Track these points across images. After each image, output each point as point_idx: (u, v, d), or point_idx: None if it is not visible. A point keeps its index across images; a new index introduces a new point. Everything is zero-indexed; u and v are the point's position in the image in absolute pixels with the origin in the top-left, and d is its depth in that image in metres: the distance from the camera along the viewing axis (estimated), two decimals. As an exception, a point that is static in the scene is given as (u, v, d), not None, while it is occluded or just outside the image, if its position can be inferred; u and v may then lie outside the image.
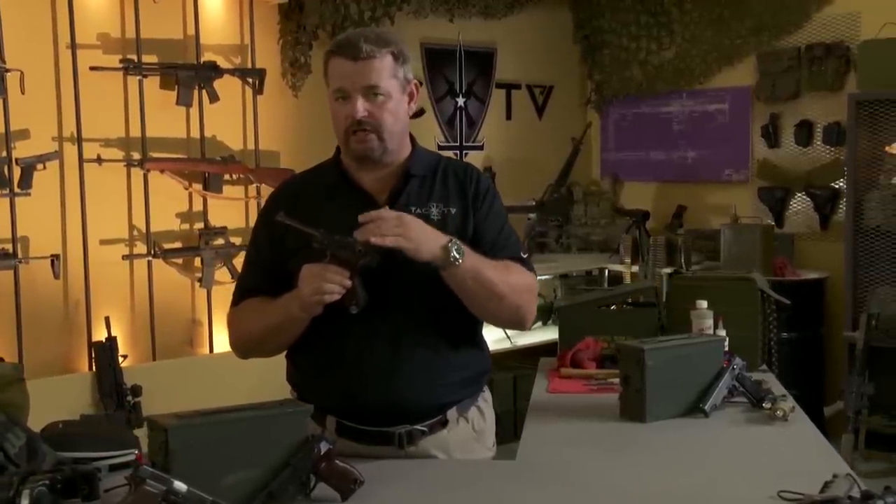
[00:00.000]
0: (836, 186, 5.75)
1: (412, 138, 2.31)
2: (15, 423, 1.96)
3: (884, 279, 5.24)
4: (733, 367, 2.58)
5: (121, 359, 4.41)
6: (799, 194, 5.94)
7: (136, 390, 4.38)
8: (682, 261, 5.58)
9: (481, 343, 2.35)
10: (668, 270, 5.53)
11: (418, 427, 2.21)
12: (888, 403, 5.14)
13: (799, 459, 2.23)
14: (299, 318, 2.13)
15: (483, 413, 2.34)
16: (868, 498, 1.73)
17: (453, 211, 2.22)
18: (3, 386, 2.06)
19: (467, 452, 2.28)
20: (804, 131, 5.85)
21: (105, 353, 4.39)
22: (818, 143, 5.83)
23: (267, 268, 2.23)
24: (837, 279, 5.51)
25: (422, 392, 2.18)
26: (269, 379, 4.54)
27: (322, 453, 1.89)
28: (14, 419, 1.98)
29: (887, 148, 5.28)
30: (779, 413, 2.47)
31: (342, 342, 2.19)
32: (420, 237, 2.06)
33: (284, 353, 2.32)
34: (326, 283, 2.04)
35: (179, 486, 1.70)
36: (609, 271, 6.06)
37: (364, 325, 2.16)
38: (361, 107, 2.13)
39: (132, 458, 2.10)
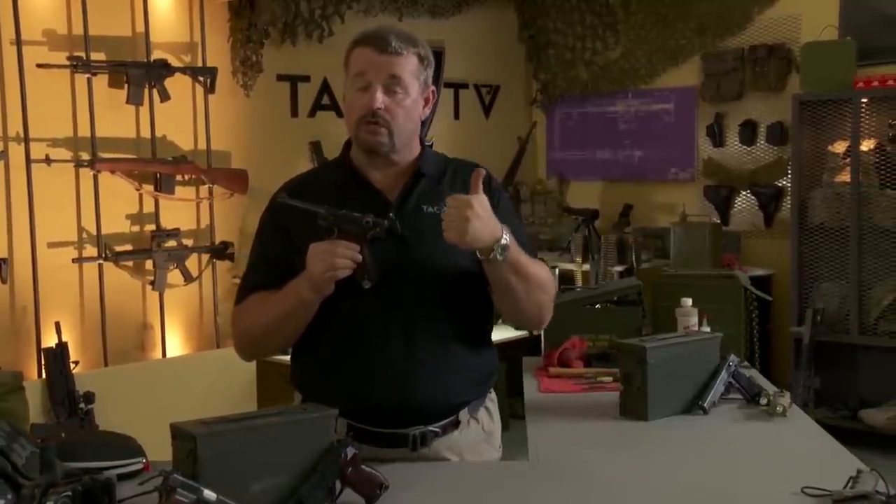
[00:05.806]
0: (780, 185, 5.88)
1: (421, 140, 2.28)
2: (20, 433, 1.88)
3: (828, 275, 5.36)
4: (729, 364, 2.61)
5: (72, 365, 4.27)
6: (744, 192, 6.06)
7: (89, 397, 4.24)
8: (633, 259, 5.63)
9: (490, 342, 2.32)
10: (620, 269, 5.59)
11: (431, 428, 2.17)
12: (833, 396, 5.26)
13: (810, 455, 2.25)
14: (310, 301, 2.07)
15: (491, 413, 2.31)
16: (903, 493, 1.74)
17: None
18: (4, 394, 1.96)
19: (478, 454, 2.24)
20: (748, 131, 5.97)
21: (56, 359, 4.24)
22: (762, 142, 5.95)
23: (273, 264, 2.17)
24: (782, 276, 5.61)
25: (436, 392, 2.14)
26: (222, 383, 4.52)
27: (349, 458, 1.85)
28: (18, 429, 1.89)
29: (830, 147, 5.40)
30: (778, 409, 2.49)
31: (353, 342, 2.14)
32: (477, 230, 1.98)
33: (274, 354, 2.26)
34: (337, 258, 2.00)
35: (209, 494, 1.64)
36: (560, 270, 6.07)
37: (376, 324, 2.12)
38: (380, 98, 2.10)
39: (140, 467, 2.03)
